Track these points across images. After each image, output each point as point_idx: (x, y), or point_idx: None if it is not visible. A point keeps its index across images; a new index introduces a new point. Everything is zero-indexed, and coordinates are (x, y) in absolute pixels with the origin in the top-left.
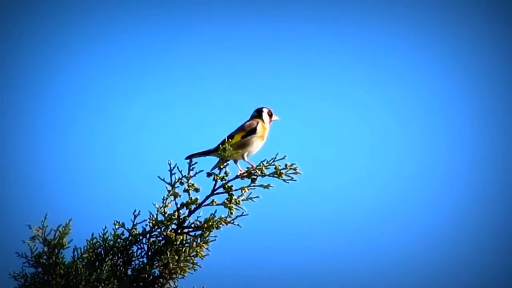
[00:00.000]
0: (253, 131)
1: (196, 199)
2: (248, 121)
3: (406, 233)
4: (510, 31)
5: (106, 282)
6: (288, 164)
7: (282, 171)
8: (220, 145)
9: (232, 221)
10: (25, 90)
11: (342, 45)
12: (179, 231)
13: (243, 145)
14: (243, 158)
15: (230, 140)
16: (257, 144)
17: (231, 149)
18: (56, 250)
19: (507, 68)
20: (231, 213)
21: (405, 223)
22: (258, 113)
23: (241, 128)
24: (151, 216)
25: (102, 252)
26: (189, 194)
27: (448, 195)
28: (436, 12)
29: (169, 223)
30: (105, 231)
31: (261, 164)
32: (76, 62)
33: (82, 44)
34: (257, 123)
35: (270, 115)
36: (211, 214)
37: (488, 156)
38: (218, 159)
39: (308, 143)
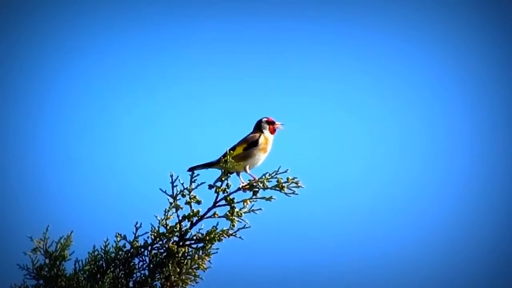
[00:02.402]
0: (255, 143)
1: (198, 211)
2: (250, 133)
3: (406, 234)
4: (510, 31)
5: None
6: (290, 177)
7: (284, 184)
8: (222, 157)
9: (234, 234)
10: (25, 94)
11: (340, 46)
12: (181, 243)
13: (245, 158)
14: (245, 170)
15: (232, 152)
16: (259, 157)
17: (233, 161)
18: (58, 262)
19: (507, 68)
20: (233, 225)
21: (405, 224)
22: (257, 126)
23: (243, 141)
24: (153, 228)
25: (104, 265)
26: (191, 207)
27: (447, 196)
28: (436, 12)
29: (171, 235)
30: (106, 243)
31: (263, 177)
32: (77, 66)
33: (84, 46)
34: (259, 135)
35: (272, 123)
36: (213, 226)
37: (487, 157)
38: (220, 171)
39: (307, 145)
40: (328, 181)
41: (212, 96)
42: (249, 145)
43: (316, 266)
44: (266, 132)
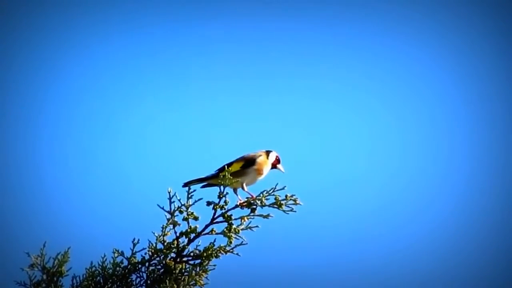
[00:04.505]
0: (252, 162)
1: (196, 227)
2: (252, 152)
3: (406, 233)
4: (510, 31)
5: None
6: (288, 195)
7: (282, 202)
8: (220, 173)
9: (231, 250)
10: (23, 98)
11: (340, 46)
12: (178, 259)
13: (241, 175)
14: (242, 187)
15: (230, 169)
16: (253, 177)
17: (230, 177)
18: (55, 278)
19: (507, 68)
20: (230, 242)
21: (405, 223)
22: (266, 152)
23: (241, 158)
24: (150, 245)
25: (101, 281)
26: (188, 223)
27: (448, 195)
28: (435, 12)
29: (168, 251)
30: (104, 260)
31: (261, 195)
32: (79, 70)
33: (85, 48)
34: (260, 156)
35: (278, 161)
36: (210, 243)
37: (488, 156)
38: (218, 188)
39: (307, 146)
40: (328, 182)
41: (211, 98)
42: (247, 163)
43: (315, 273)
44: (269, 160)
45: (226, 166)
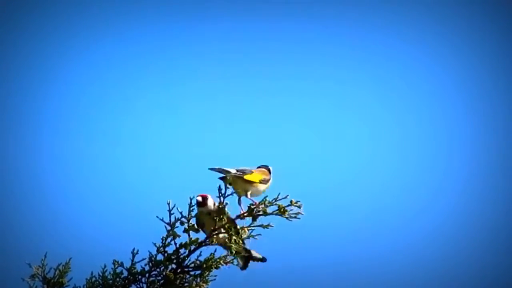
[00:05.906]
0: (266, 181)
1: (197, 239)
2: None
3: (406, 234)
4: (510, 31)
5: None
6: (294, 200)
7: (286, 208)
8: (245, 176)
9: (231, 261)
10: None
11: (338, 45)
12: (178, 270)
13: (251, 184)
14: (246, 195)
15: (251, 176)
16: (257, 193)
17: (246, 179)
18: None
19: (507, 69)
20: (231, 252)
21: (405, 224)
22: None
23: (261, 172)
24: (151, 256)
25: None
26: (189, 235)
27: (447, 196)
28: (435, 11)
29: (168, 263)
30: (104, 270)
31: (264, 199)
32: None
33: (86, 48)
34: (269, 180)
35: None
36: (211, 253)
37: (488, 157)
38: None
39: (305, 146)
40: (327, 182)
41: (211, 99)
42: (265, 181)
43: (315, 277)
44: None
45: (250, 171)
